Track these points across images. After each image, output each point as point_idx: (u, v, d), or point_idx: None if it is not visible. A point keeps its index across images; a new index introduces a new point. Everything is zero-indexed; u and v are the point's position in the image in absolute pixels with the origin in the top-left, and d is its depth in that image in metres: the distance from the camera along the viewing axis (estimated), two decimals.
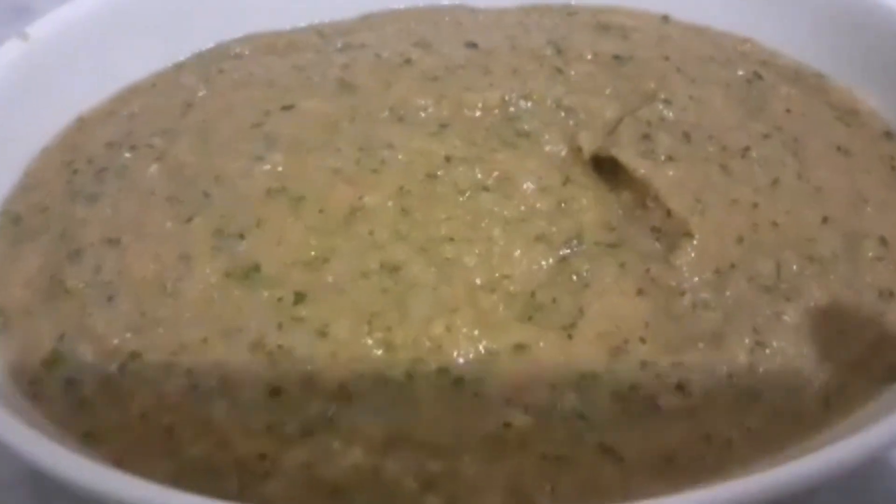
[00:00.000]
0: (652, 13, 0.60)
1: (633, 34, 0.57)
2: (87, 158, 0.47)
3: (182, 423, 0.36)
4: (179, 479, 0.35)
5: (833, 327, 0.41)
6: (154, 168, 0.46)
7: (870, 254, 0.44)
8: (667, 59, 0.55)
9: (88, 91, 0.51)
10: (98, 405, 0.37)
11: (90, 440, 0.36)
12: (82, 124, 0.50)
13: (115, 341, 0.39)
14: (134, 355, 0.38)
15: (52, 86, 0.50)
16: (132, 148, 0.47)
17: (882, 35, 0.54)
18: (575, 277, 0.42)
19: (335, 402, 0.37)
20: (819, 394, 0.39)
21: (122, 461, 0.35)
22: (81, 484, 0.30)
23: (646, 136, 0.48)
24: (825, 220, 0.45)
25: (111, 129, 0.49)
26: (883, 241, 0.44)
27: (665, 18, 0.60)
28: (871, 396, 0.39)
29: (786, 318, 0.41)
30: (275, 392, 0.37)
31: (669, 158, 0.47)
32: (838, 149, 0.50)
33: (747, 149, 0.48)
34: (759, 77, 0.54)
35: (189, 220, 0.43)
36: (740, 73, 0.54)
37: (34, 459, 0.32)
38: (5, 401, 0.35)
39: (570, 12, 0.59)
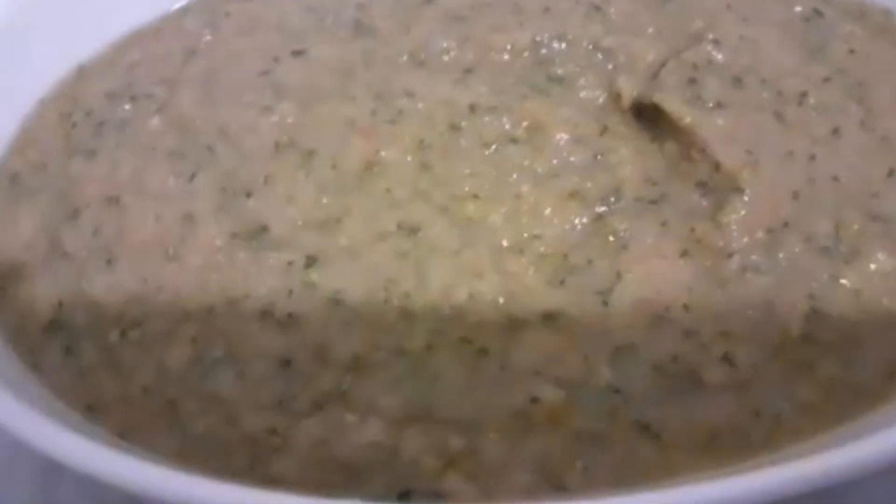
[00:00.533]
0: None
1: None
2: (86, 111, 0.46)
3: (186, 395, 0.35)
4: (185, 455, 0.34)
5: None
6: (155, 121, 0.44)
7: None
8: None
9: (89, 39, 0.50)
10: (99, 376, 0.37)
11: (93, 413, 0.35)
12: (82, 73, 0.49)
13: (116, 308, 0.38)
14: (135, 323, 0.37)
15: (49, 34, 0.48)
16: (132, 99, 0.46)
17: None
18: (612, 238, 0.40)
19: (349, 375, 0.36)
20: (882, 365, 0.36)
21: (125, 435, 0.35)
22: (78, 467, 0.29)
23: (692, 81, 0.45)
24: (891, 173, 0.42)
25: (111, 78, 0.48)
26: None
27: None
28: None
29: (845, 282, 0.38)
30: (285, 363, 0.36)
31: (718, 105, 0.44)
32: None
33: (805, 94, 0.45)
34: (820, 14, 0.50)
35: (192, 177, 0.42)
36: (798, 9, 0.51)
37: (33, 443, 0.30)
38: (4, 371, 0.34)
39: None
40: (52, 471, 0.40)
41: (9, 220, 0.42)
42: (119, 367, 0.36)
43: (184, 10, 0.52)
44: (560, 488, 0.33)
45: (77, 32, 0.49)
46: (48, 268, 0.40)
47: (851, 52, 0.48)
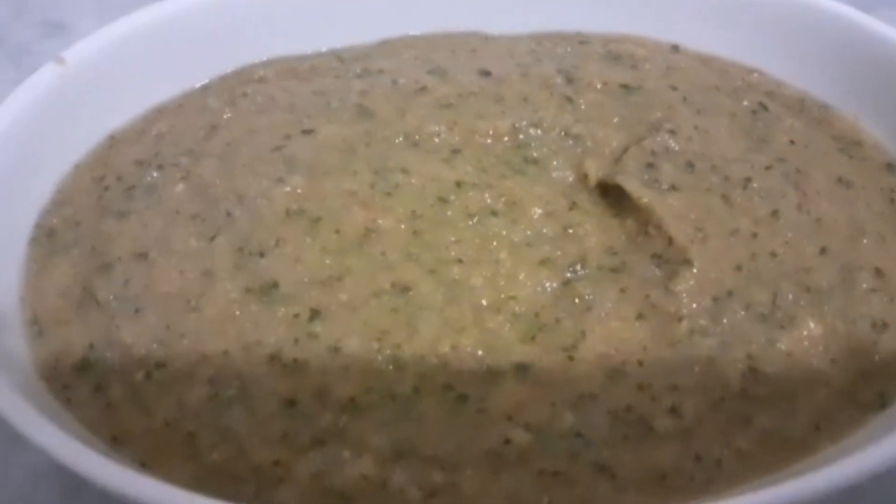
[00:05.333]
0: (662, 42, 0.61)
1: (642, 64, 0.59)
2: (117, 175, 0.50)
3: (203, 429, 0.38)
4: (200, 482, 0.37)
5: (825, 355, 0.42)
6: (180, 187, 0.48)
7: (864, 285, 0.45)
8: (674, 88, 0.56)
9: (119, 110, 0.54)
10: (125, 410, 0.39)
11: (117, 443, 0.38)
12: (113, 142, 0.52)
13: (142, 351, 0.41)
14: (159, 365, 0.40)
15: (85, 105, 0.52)
16: (160, 167, 0.49)
17: (889, 67, 0.55)
18: (578, 300, 0.43)
19: (346, 414, 0.39)
20: (809, 419, 0.40)
21: (146, 463, 0.38)
22: (109, 487, 0.33)
23: (650, 166, 0.49)
24: (823, 251, 0.46)
25: (140, 147, 0.51)
26: (879, 273, 0.46)
27: (675, 47, 0.61)
28: (861, 424, 0.40)
29: (780, 345, 0.42)
30: (290, 403, 0.39)
31: (672, 188, 0.48)
32: (839, 180, 0.51)
33: (749, 180, 0.49)
34: (765, 108, 0.56)
35: (212, 238, 0.45)
36: (745, 103, 0.56)
37: (67, 463, 0.34)
38: (40, 404, 0.37)
39: (582, 41, 0.61)
40: (71, 498, 0.43)
41: (46, 270, 0.45)
42: (143, 404, 0.39)
43: (205, 89, 0.56)
44: None
45: (108, 105, 0.53)
46: (81, 314, 0.43)
47: (791, 142, 0.52)
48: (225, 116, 0.53)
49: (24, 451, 0.43)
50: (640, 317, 0.43)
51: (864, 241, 0.47)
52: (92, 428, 0.39)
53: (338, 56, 0.59)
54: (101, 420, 0.39)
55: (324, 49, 0.60)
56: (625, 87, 0.56)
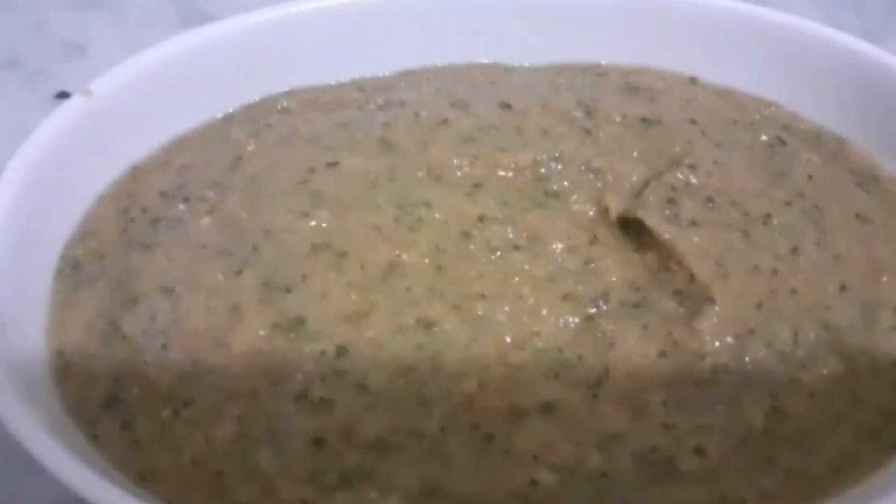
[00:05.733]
0: (680, 74, 0.62)
1: (660, 96, 0.59)
2: (142, 208, 0.50)
3: (231, 468, 0.38)
4: None
5: (847, 395, 0.42)
6: (206, 221, 0.48)
7: (885, 323, 0.45)
8: (693, 122, 0.56)
9: (141, 140, 0.54)
10: (152, 448, 0.39)
11: (145, 481, 0.38)
12: (137, 173, 0.53)
13: (169, 387, 0.41)
14: (186, 402, 0.40)
15: (109, 136, 0.52)
16: (185, 200, 0.49)
17: None
18: (600, 336, 0.43)
19: (373, 454, 0.38)
20: (832, 459, 0.40)
21: (173, 502, 0.37)
22: None
23: (671, 201, 0.49)
24: (843, 288, 0.46)
25: (164, 179, 0.52)
26: None
27: (692, 80, 0.62)
28: (882, 464, 0.40)
29: (801, 384, 0.42)
30: (317, 442, 0.39)
31: (693, 223, 0.48)
32: (857, 216, 0.51)
33: (769, 216, 0.49)
34: (782, 142, 0.56)
35: (239, 273, 0.45)
36: (763, 137, 0.56)
37: (94, 501, 0.34)
38: (67, 441, 0.38)
39: (600, 73, 0.61)
40: None
41: (71, 304, 0.45)
42: (170, 441, 0.39)
43: (228, 119, 0.56)
44: None
45: (130, 135, 0.53)
46: (107, 348, 0.43)
47: (809, 177, 0.53)
48: (249, 148, 0.53)
49: (44, 484, 0.43)
50: (662, 354, 0.43)
51: (884, 278, 0.48)
52: (119, 465, 0.39)
53: (359, 87, 0.59)
54: (129, 457, 0.39)
55: (345, 79, 0.60)
56: (644, 120, 0.56)
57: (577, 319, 0.44)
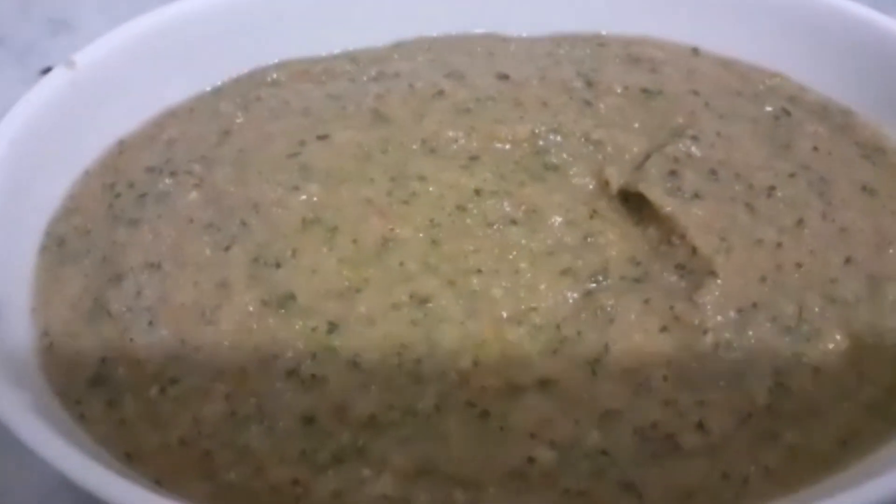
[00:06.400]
0: (682, 45, 0.60)
1: (662, 67, 0.57)
2: (128, 182, 0.49)
3: (220, 447, 0.38)
4: (216, 502, 0.36)
5: (852, 370, 0.42)
6: (193, 195, 0.47)
7: (892, 297, 0.44)
8: (695, 93, 0.55)
9: (128, 114, 0.53)
10: (139, 427, 0.39)
11: (132, 461, 0.38)
12: (123, 148, 0.51)
13: (156, 366, 0.40)
14: (173, 380, 0.40)
15: (94, 109, 0.51)
16: (172, 174, 0.48)
17: None
18: (600, 312, 0.42)
19: (366, 432, 0.38)
20: (836, 434, 0.39)
21: (161, 481, 0.37)
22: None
23: (673, 173, 0.48)
24: (848, 261, 0.45)
25: (151, 153, 0.50)
26: None
27: (695, 50, 0.60)
28: (886, 440, 0.39)
29: (805, 359, 0.41)
30: (308, 420, 0.38)
31: (696, 196, 0.47)
32: (864, 188, 0.50)
33: (773, 188, 0.48)
34: (787, 113, 0.55)
35: (227, 248, 0.44)
36: (768, 108, 0.55)
37: (80, 480, 0.33)
38: (53, 421, 0.37)
39: (601, 43, 0.60)
40: None
41: (57, 281, 0.44)
42: (157, 420, 0.38)
43: (217, 92, 0.55)
44: None
45: (116, 109, 0.52)
46: (93, 326, 0.42)
47: (815, 149, 0.51)
48: (238, 121, 0.52)
49: (36, 467, 0.42)
50: (663, 329, 0.42)
51: (891, 250, 0.47)
52: (105, 444, 0.38)
53: (352, 58, 0.58)
54: (115, 436, 0.38)
55: (337, 51, 0.58)
56: (645, 91, 0.55)
57: (576, 295, 0.43)
